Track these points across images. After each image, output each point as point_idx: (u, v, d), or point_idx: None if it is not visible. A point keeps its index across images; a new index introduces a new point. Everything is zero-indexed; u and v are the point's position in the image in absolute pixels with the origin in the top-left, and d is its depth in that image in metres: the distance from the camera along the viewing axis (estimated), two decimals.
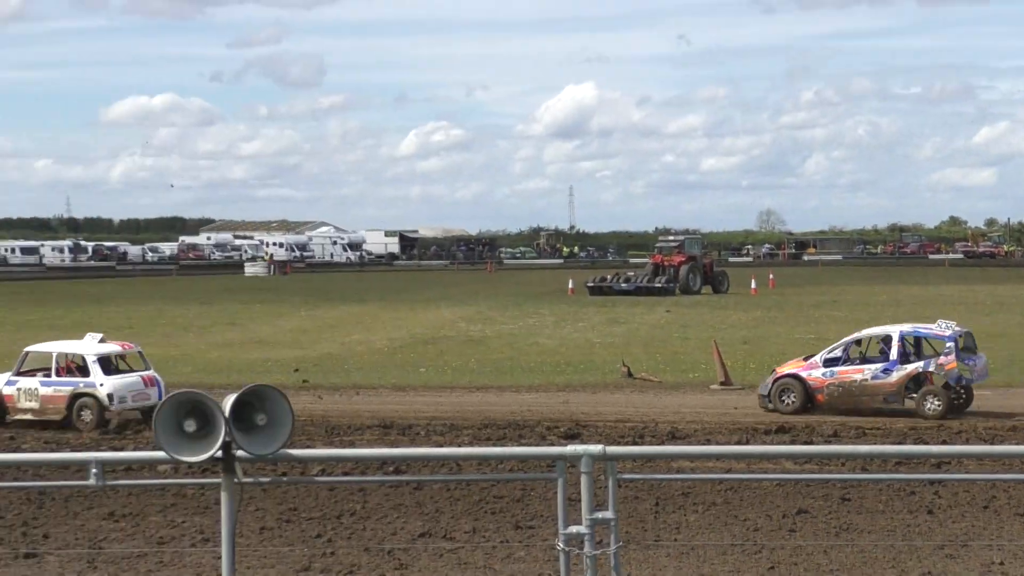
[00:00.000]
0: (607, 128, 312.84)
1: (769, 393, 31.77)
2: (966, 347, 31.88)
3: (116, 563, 18.09)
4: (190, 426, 9.14)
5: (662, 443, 26.72)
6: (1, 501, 21.29)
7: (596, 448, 9.54)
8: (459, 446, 26.23)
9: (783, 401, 31.57)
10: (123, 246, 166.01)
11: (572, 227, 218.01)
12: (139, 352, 31.47)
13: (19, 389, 30.19)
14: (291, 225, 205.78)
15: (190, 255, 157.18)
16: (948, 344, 31.12)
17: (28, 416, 30.07)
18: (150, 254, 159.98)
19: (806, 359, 32.55)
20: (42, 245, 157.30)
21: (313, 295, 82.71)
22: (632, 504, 21.04)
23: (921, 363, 31.12)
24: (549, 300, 74.91)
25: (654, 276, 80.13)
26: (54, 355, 30.78)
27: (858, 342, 32.32)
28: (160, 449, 9.17)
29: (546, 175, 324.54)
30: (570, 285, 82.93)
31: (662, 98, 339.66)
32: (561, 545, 9.58)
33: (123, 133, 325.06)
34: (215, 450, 9.16)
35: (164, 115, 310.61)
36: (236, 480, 9.48)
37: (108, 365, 30.51)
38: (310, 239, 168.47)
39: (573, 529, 9.57)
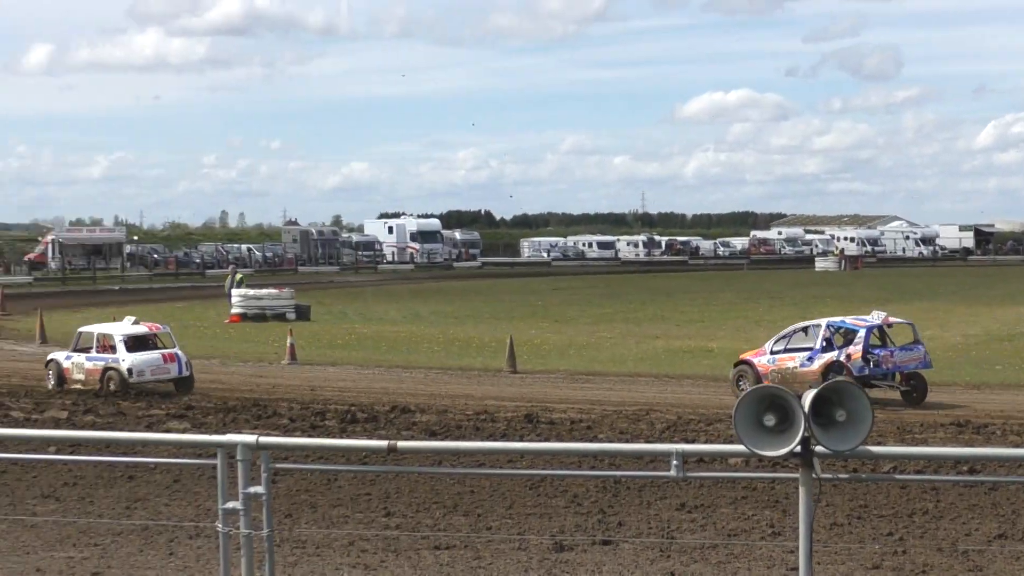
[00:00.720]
0: None
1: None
2: (916, 339, 31.65)
3: (688, 553, 18.42)
4: (769, 421, 9.28)
5: None
6: (579, 489, 22.04)
7: None
8: None
9: (740, 387, 31.43)
10: (695, 240, 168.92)
11: None
12: (168, 333, 36.38)
13: (73, 363, 35.67)
14: (862, 219, 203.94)
15: (761, 249, 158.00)
16: (860, 333, 30.65)
17: (79, 386, 35.04)
18: (721, 248, 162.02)
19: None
20: (617, 240, 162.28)
21: (884, 290, 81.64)
22: None
23: (835, 352, 30.71)
24: None
25: None
26: (95, 335, 35.97)
27: (805, 330, 32.16)
28: (739, 443, 9.36)
29: None
30: None
31: None
32: None
33: (698, 129, 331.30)
34: (794, 445, 9.26)
35: (738, 111, 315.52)
36: (814, 476, 9.54)
37: (142, 344, 35.54)
38: (882, 233, 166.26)
39: None
